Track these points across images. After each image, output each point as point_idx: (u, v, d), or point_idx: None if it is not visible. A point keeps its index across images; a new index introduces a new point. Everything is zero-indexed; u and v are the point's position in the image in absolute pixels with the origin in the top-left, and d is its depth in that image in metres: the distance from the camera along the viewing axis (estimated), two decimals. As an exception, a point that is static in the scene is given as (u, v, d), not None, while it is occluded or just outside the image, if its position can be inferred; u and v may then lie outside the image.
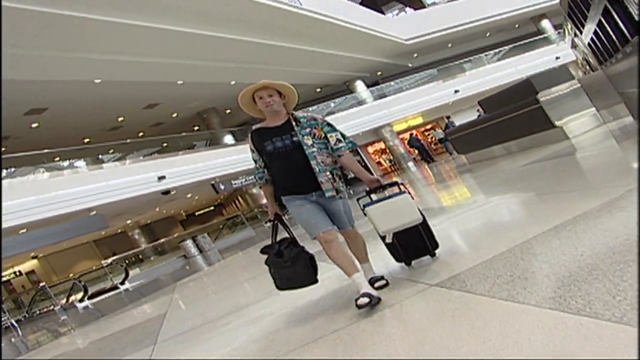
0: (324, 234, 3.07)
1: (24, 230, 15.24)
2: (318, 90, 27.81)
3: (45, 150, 17.23)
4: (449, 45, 28.49)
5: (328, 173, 3.15)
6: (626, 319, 1.57)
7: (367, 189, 3.37)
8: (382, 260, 3.82)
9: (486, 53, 28.53)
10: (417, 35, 25.64)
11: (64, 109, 17.23)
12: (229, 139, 23.77)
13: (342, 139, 3.26)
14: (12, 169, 16.09)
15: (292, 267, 3.20)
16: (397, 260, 3.63)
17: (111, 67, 15.13)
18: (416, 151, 26.92)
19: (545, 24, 29.63)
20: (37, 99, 15.77)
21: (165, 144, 22.73)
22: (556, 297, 1.92)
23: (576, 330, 1.64)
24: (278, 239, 3.36)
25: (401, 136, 28.08)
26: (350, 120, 24.64)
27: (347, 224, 3.28)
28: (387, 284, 3.20)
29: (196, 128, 25.94)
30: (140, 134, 24.03)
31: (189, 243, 18.50)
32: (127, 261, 19.69)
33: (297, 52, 19.93)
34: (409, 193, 3.25)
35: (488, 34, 29.03)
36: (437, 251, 3.50)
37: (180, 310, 6.56)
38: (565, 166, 5.99)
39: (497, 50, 29.02)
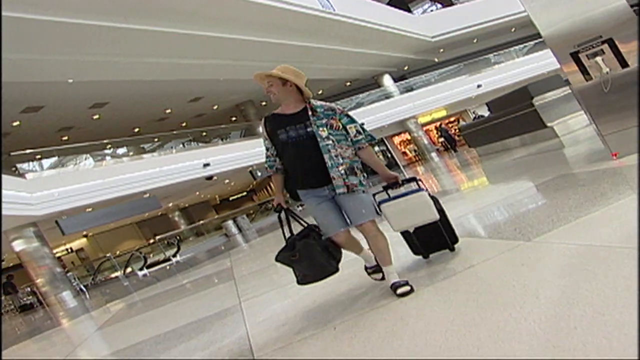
0: (335, 236, 3.09)
1: (90, 209, 17.47)
2: (348, 84, 29.32)
3: (106, 140, 19.47)
4: (475, 40, 29.46)
5: (341, 168, 3.02)
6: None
7: (384, 184, 3.31)
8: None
9: (514, 48, 29.21)
10: (442, 33, 26.74)
11: (121, 103, 19.32)
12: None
13: (361, 131, 3.19)
14: (83, 156, 18.36)
15: (305, 260, 3.05)
16: (415, 252, 3.59)
17: (164, 67, 17.08)
18: (440, 141, 28.43)
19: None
20: (101, 95, 17.92)
21: (204, 134, 24.76)
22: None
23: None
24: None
25: (425, 128, 29.46)
26: (377, 113, 26.23)
27: (362, 217, 3.07)
28: (411, 291, 2.95)
29: (234, 119, 27.86)
30: (184, 124, 26.11)
31: (230, 223, 20.56)
32: (168, 241, 21.82)
33: (330, 52, 21.55)
34: (427, 190, 3.21)
35: (513, 29, 29.94)
36: (456, 245, 3.49)
37: (241, 263, 8.55)
38: (547, 158, 7.70)
39: (522, 46, 29.87)
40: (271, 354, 2.76)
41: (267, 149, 3.25)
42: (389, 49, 25.33)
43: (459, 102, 27.73)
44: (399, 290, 2.95)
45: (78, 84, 15.92)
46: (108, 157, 19.46)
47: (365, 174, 3.16)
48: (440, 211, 3.33)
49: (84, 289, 16.43)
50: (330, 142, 3.03)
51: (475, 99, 27.46)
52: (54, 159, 19.45)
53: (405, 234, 3.53)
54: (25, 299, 17.88)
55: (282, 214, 3.21)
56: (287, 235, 3.18)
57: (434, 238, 3.44)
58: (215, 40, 16.16)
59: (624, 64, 4.67)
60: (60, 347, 6.36)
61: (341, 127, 3.12)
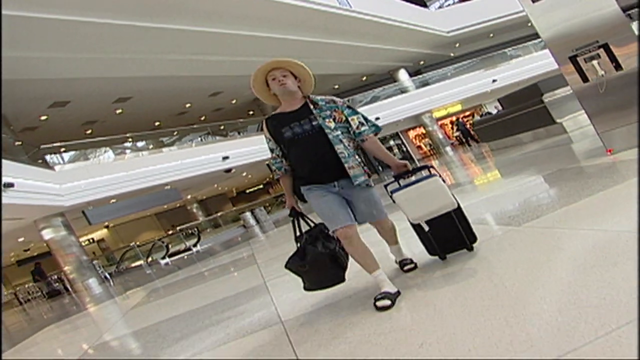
0: (343, 229, 2.87)
1: (114, 201, 18.16)
2: (364, 78, 29.70)
3: (128, 134, 20.14)
4: (491, 35, 29.60)
5: (357, 157, 2.97)
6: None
7: (395, 174, 3.16)
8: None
9: (531, 42, 29.16)
10: (458, 27, 26.95)
11: (143, 97, 19.96)
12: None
13: (364, 122, 3.06)
14: (103, 149, 19.05)
15: (314, 271, 3.03)
16: (431, 253, 3.39)
17: (185, 64, 17.66)
18: (455, 135, 28.68)
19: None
20: (124, 90, 18.57)
21: (222, 127, 25.35)
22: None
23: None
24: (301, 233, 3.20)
25: (440, 122, 29.74)
26: (393, 107, 26.61)
27: (373, 216, 3.10)
28: (415, 267, 3.24)
29: (251, 112, 28.42)
30: (203, 118, 26.72)
31: (248, 215, 21.17)
32: (187, 232, 22.51)
33: (346, 47, 21.97)
34: (440, 176, 3.01)
35: (530, 24, 29.82)
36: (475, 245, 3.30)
37: (262, 250, 9.08)
38: (552, 153, 8.08)
39: (538, 40, 29.87)
40: (296, 319, 3.17)
41: (272, 151, 3.14)
42: (405, 44, 25.64)
43: (474, 97, 27.94)
44: (406, 267, 3.28)
45: (103, 79, 16.58)
46: (128, 151, 20.12)
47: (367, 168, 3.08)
48: (457, 207, 3.17)
49: (108, 276, 17.14)
50: (339, 132, 2.94)
51: (491, 93, 27.64)
52: (73, 152, 20.11)
53: (421, 234, 3.34)
54: (56, 285, 18.67)
55: (296, 219, 3.17)
56: (297, 235, 3.16)
57: (451, 236, 3.24)
58: (234, 38, 16.68)
59: (618, 67, 5.06)
60: (100, 324, 6.96)
61: (344, 119, 3.02)
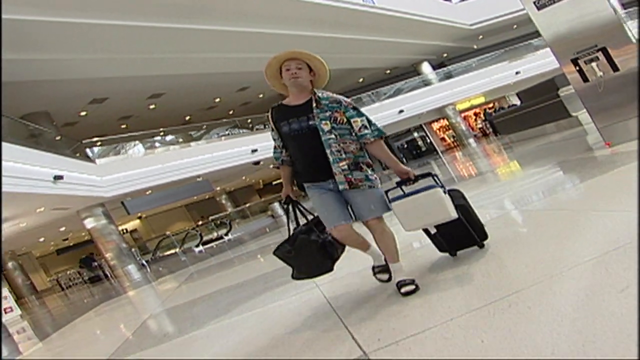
0: (337, 228, 2.93)
1: (149, 192, 19.15)
2: (387, 72, 30.15)
3: (161, 129, 21.13)
4: (514, 26, 29.66)
5: (343, 163, 2.89)
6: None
7: (398, 180, 3.12)
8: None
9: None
10: (481, 20, 27.14)
11: (175, 93, 20.87)
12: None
13: (367, 125, 3.00)
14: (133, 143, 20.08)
15: (300, 257, 3.04)
16: (441, 250, 3.39)
17: (214, 61, 18.49)
18: (478, 127, 29.02)
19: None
20: (158, 87, 19.49)
21: (249, 121, 26.18)
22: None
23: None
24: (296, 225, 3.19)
25: (464, 114, 30.03)
26: (416, 100, 27.07)
27: (368, 213, 2.96)
28: (416, 289, 2.84)
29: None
30: (231, 112, 27.60)
31: (276, 205, 21.98)
32: (218, 222, 23.46)
33: (370, 42, 22.52)
34: (442, 185, 2.99)
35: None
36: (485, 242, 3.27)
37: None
38: (564, 145, 8.61)
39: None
40: (337, 295, 3.45)
41: (274, 140, 3.19)
42: (428, 37, 26.00)
43: (498, 89, 28.10)
44: (403, 289, 2.86)
45: (138, 78, 17.53)
46: (157, 144, 21.15)
47: (372, 169, 3.04)
48: (463, 207, 3.15)
49: (145, 264, 18.18)
50: (333, 136, 2.91)
51: (514, 85, 27.82)
52: (106, 146, 21.11)
53: (427, 232, 3.33)
54: (98, 271, 19.83)
55: (290, 207, 3.18)
56: (293, 227, 3.15)
57: (459, 235, 3.21)
58: (260, 36, 17.41)
59: (615, 68, 5.61)
60: (156, 297, 7.82)
61: (345, 120, 2.97)
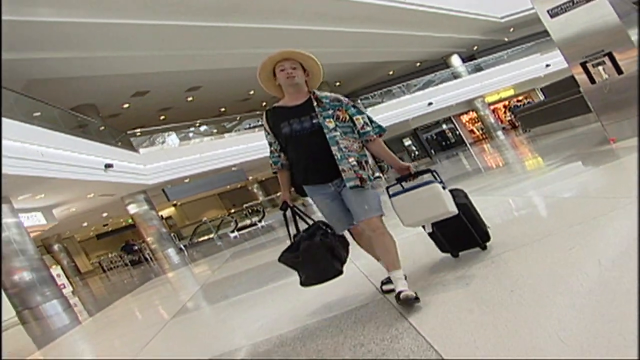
0: (354, 228, 3.05)
1: (187, 180, 20.22)
2: (417, 64, 30.54)
3: (199, 120, 22.17)
4: (546, 19, 29.50)
5: (352, 159, 2.83)
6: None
7: (397, 177, 3.09)
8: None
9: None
10: (512, 13, 27.24)
11: (212, 86, 21.86)
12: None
13: (369, 122, 3.00)
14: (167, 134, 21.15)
15: (308, 263, 2.93)
16: (442, 250, 3.37)
17: (250, 56, 19.14)
18: (508, 120, 29.17)
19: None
20: (196, 80, 20.51)
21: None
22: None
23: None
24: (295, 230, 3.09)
25: (493, 107, 30.22)
26: (445, 93, 27.46)
27: (364, 213, 2.86)
28: (417, 300, 2.63)
29: (309, 98, 29.94)
30: (264, 103, 28.48)
31: (306, 195, 22.78)
32: (250, 209, 24.43)
33: (400, 37, 23.06)
34: (441, 181, 2.99)
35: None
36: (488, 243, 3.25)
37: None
38: (580, 139, 9.17)
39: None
40: (375, 276, 3.49)
41: (271, 144, 3.08)
42: (458, 31, 26.27)
43: (528, 82, 28.16)
44: (402, 295, 2.64)
45: (178, 72, 18.52)
46: (191, 134, 22.22)
47: (372, 169, 3.01)
48: (465, 206, 3.13)
49: (183, 247, 19.27)
50: (338, 133, 2.84)
51: (544, 78, 27.86)
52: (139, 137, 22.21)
53: (431, 235, 3.28)
54: (142, 254, 21.05)
55: (288, 212, 3.08)
56: (293, 233, 3.06)
57: (461, 236, 3.18)
58: (293, 32, 18.23)
59: (619, 71, 6.18)
60: (200, 274, 8.72)
61: (348, 118, 2.94)
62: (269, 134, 3.06)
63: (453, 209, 2.95)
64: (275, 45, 18.05)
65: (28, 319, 10.12)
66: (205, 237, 21.50)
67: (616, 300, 1.88)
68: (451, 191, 3.11)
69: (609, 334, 1.64)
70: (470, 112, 30.95)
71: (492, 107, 30.04)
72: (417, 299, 2.61)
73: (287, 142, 2.95)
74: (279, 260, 3.04)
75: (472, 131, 31.68)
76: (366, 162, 2.95)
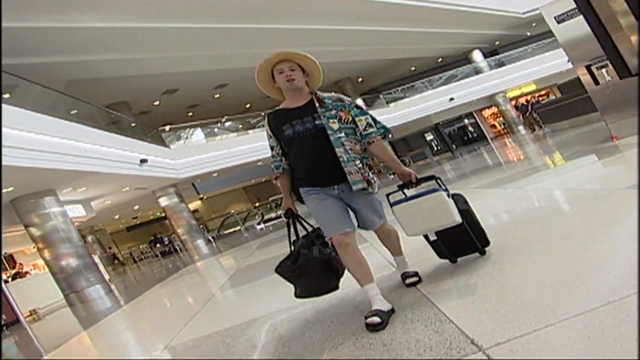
0: (340, 236, 2.71)
1: (215, 175, 21.06)
2: (439, 60, 30.88)
3: (226, 117, 22.99)
4: (569, 13, 29.50)
5: (358, 162, 2.76)
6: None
7: (400, 183, 2.99)
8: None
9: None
10: (534, 8, 27.39)
11: (238, 83, 22.60)
12: (360, 102, 28.49)
13: (372, 123, 2.90)
14: (207, 130, 21.99)
15: (305, 276, 2.89)
16: (440, 256, 3.28)
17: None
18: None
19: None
20: (223, 78, 21.31)
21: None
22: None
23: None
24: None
25: (514, 102, 30.36)
26: (467, 88, 27.77)
27: (373, 223, 2.90)
28: (419, 281, 2.95)
29: (332, 93, 30.50)
30: (288, 99, 29.19)
31: (331, 188, 23.48)
32: (275, 203, 25.16)
33: (423, 34, 23.54)
34: (446, 189, 2.91)
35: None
36: (487, 248, 3.18)
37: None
38: (590, 136, 9.65)
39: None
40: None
41: (272, 148, 3.01)
42: (480, 27, 26.48)
43: (549, 77, 28.23)
44: (408, 281, 3.00)
45: (206, 71, 19.36)
46: (223, 130, 23.06)
47: (374, 173, 2.92)
48: (465, 212, 3.03)
49: (211, 239, 20.13)
50: (343, 134, 2.77)
51: (566, 73, 27.84)
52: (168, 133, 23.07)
53: (426, 238, 3.17)
54: (172, 245, 22.01)
55: (291, 220, 3.04)
56: (293, 239, 3.03)
57: (460, 241, 3.10)
58: (317, 32, 18.88)
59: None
60: (232, 261, 9.46)
61: (350, 119, 2.86)
62: (270, 137, 3.00)
63: (458, 219, 2.86)
64: (300, 44, 18.84)
65: (74, 301, 11.03)
66: (232, 230, 22.32)
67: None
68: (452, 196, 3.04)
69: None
70: (492, 107, 31.16)
71: (513, 102, 30.10)
72: (419, 279, 2.95)
73: (289, 145, 2.87)
74: (276, 270, 2.99)
75: (493, 126, 31.90)
76: (367, 164, 2.88)
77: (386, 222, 2.99)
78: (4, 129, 8.48)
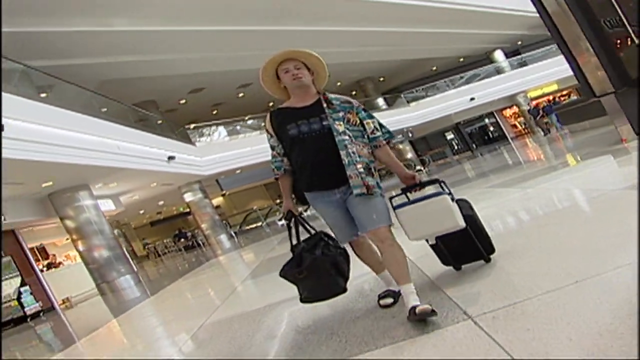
0: (354, 241, 2.91)
1: (239, 172, 21.65)
2: (460, 60, 30.98)
3: (249, 115, 23.57)
4: (594, 12, 29.33)
5: (359, 166, 2.66)
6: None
7: (403, 187, 2.93)
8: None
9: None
10: (555, 9, 27.34)
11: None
12: (381, 102, 28.96)
13: (379, 127, 2.87)
14: (230, 127, 22.57)
15: (312, 278, 2.78)
16: (444, 263, 3.23)
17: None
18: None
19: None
20: (247, 77, 21.80)
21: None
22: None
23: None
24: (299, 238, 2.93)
25: (535, 102, 30.23)
26: (488, 88, 27.87)
27: (372, 222, 2.69)
28: (433, 313, 2.39)
29: (354, 93, 30.89)
30: (310, 98, 29.65)
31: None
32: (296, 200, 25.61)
33: (445, 34, 23.79)
34: (450, 193, 2.87)
35: (636, -1, 29.33)
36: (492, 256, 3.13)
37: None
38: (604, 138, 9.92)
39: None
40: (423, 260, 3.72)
41: (273, 148, 2.92)
42: (502, 27, 26.48)
43: (572, 77, 27.90)
44: (418, 310, 2.41)
45: (231, 71, 19.95)
46: (243, 128, 23.62)
47: (379, 177, 2.85)
48: (471, 218, 2.99)
49: (233, 234, 20.72)
50: (347, 137, 2.69)
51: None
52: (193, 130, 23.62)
53: (433, 246, 3.14)
54: (195, 240, 22.67)
55: (292, 222, 2.94)
56: (294, 243, 2.93)
57: (465, 248, 3.05)
58: (338, 33, 19.35)
59: (629, 79, 6.94)
60: (256, 254, 9.95)
61: (358, 122, 2.80)
62: (272, 136, 2.93)
63: (462, 223, 2.82)
64: (321, 45, 19.29)
65: (105, 290, 11.66)
66: (253, 225, 22.88)
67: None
68: (457, 202, 2.97)
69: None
70: (513, 107, 31.16)
71: (534, 102, 29.92)
72: (434, 311, 2.38)
73: (292, 145, 2.79)
74: (280, 275, 2.88)
75: (514, 125, 31.88)
76: (375, 168, 2.82)
77: (389, 229, 2.73)
78: (43, 127, 9.09)
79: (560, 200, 4.89)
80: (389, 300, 2.91)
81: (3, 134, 7.50)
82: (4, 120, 7.49)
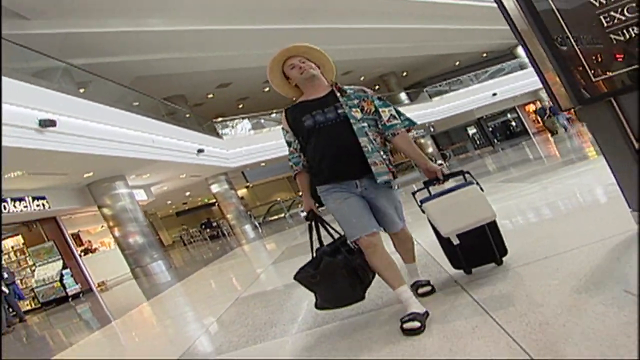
0: (367, 237, 2.53)
1: (263, 164, 22.32)
2: (484, 55, 31.14)
3: (274, 110, 24.19)
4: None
5: (382, 153, 2.61)
6: None
7: (425, 180, 2.80)
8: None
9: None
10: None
11: (287, 77, 23.79)
12: (403, 96, 29.36)
13: (396, 115, 2.74)
14: (254, 121, 23.24)
15: (327, 284, 2.62)
16: (456, 266, 3.10)
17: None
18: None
19: None
20: (271, 73, 22.49)
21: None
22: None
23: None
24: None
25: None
26: (511, 83, 27.97)
27: (397, 224, 2.72)
28: (433, 291, 2.82)
29: (377, 87, 31.27)
30: (333, 93, 30.21)
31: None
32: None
33: (468, 30, 24.14)
34: (477, 183, 2.72)
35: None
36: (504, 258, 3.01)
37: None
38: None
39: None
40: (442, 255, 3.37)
41: (290, 144, 2.86)
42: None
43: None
44: (420, 290, 2.84)
45: (256, 68, 20.53)
46: (268, 122, 24.26)
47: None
48: None
49: (257, 225, 21.42)
50: (366, 124, 2.64)
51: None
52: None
53: (445, 245, 3.02)
54: (220, 230, 23.48)
55: (313, 223, 2.83)
56: (316, 247, 2.83)
57: (479, 247, 2.93)
58: (363, 31, 19.83)
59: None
60: (281, 242, 10.60)
61: (373, 110, 2.72)
62: (287, 132, 2.85)
63: (495, 213, 2.68)
64: (343, 42, 19.91)
65: (139, 275, 12.46)
66: (276, 217, 23.55)
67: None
68: None
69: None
70: (536, 102, 31.13)
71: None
72: (433, 289, 2.87)
73: (309, 137, 2.69)
74: (295, 278, 2.75)
75: (536, 121, 31.84)
76: (389, 159, 2.73)
77: (405, 226, 2.83)
78: (83, 122, 9.80)
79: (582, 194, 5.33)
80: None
81: (53, 129, 8.26)
82: (54, 117, 8.25)
